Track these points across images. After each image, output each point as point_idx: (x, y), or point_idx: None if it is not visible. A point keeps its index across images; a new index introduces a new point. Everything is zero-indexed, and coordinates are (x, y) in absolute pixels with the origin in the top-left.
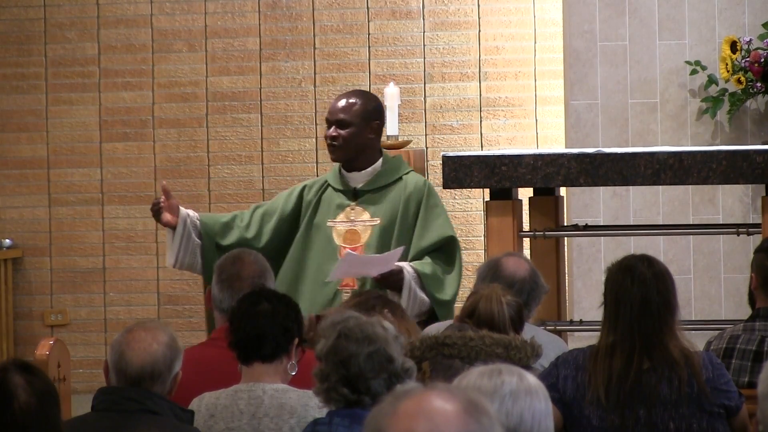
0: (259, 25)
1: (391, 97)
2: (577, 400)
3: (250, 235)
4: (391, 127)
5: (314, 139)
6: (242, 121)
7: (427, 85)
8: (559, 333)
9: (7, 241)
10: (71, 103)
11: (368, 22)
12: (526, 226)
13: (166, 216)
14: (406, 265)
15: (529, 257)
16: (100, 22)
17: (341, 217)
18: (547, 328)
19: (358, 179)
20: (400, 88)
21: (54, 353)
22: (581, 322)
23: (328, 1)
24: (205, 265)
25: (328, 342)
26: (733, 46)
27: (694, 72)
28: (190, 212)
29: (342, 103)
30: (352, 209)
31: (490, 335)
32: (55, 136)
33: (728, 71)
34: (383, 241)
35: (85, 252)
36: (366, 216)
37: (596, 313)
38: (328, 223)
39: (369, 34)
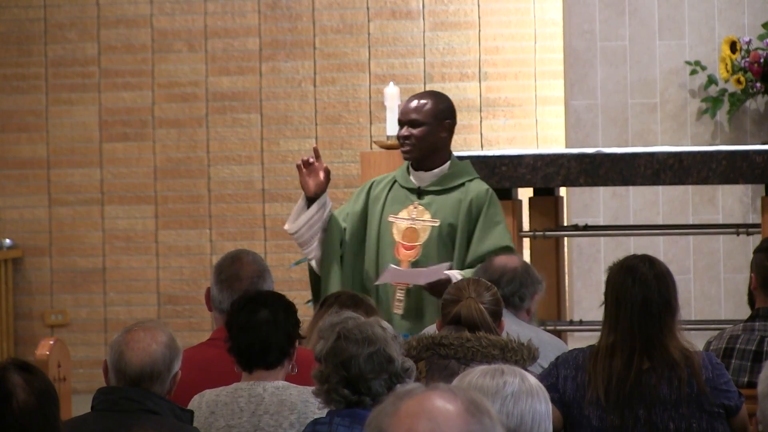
0: (259, 25)
1: (391, 97)
2: (577, 400)
3: (347, 238)
4: (391, 127)
5: (314, 140)
6: (242, 121)
7: (427, 85)
8: (559, 333)
9: (7, 241)
10: (71, 103)
11: (368, 22)
12: (526, 226)
13: (309, 183)
14: (456, 273)
15: (529, 257)
16: (100, 22)
17: (403, 213)
18: (547, 328)
19: (425, 179)
20: (400, 88)
21: (54, 353)
22: (581, 322)
23: (328, 1)
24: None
25: (327, 343)
26: (733, 47)
27: (693, 72)
28: (329, 203)
29: (413, 103)
30: (415, 207)
31: (486, 336)
32: (55, 136)
33: (728, 71)
34: (440, 243)
35: (85, 252)
36: (427, 216)
37: (596, 313)
38: (390, 218)
39: (369, 34)
